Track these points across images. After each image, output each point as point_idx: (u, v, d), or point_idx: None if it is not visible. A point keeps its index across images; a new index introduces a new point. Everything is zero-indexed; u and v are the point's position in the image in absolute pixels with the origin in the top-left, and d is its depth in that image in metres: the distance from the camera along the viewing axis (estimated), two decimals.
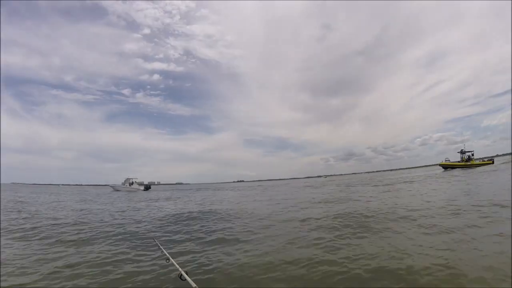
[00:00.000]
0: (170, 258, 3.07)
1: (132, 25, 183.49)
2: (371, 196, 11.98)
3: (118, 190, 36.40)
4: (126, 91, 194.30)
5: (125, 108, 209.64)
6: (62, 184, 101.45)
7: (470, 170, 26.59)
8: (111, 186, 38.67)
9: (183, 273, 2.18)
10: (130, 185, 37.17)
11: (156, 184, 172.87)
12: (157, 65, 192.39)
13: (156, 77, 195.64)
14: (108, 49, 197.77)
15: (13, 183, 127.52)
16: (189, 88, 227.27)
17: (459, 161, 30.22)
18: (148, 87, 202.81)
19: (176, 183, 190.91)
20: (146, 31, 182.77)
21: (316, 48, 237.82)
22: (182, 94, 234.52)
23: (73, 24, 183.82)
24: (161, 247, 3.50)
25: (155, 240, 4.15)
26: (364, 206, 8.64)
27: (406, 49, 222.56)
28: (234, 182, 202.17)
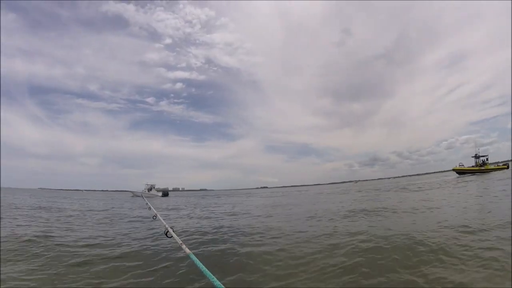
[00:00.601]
0: (158, 215, 3.39)
1: (154, 35, 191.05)
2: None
3: (138, 196, 38.63)
4: (150, 100, 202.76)
5: (148, 116, 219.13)
6: (86, 190, 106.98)
7: (485, 176, 25.94)
8: (131, 192, 41.05)
9: (169, 229, 2.30)
10: (149, 191, 39.31)
11: (180, 190, 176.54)
12: (180, 74, 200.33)
13: (179, 85, 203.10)
14: (131, 59, 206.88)
15: (40, 188, 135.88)
16: (211, 96, 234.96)
17: (473, 166, 29.75)
18: (172, 95, 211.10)
19: (200, 190, 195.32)
20: (168, 40, 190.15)
21: (335, 53, 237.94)
22: (204, 102, 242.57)
23: (95, 34, 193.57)
24: (149, 203, 4.30)
25: (142, 196, 5.67)
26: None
27: (425, 51, 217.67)
28: (257, 188, 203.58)
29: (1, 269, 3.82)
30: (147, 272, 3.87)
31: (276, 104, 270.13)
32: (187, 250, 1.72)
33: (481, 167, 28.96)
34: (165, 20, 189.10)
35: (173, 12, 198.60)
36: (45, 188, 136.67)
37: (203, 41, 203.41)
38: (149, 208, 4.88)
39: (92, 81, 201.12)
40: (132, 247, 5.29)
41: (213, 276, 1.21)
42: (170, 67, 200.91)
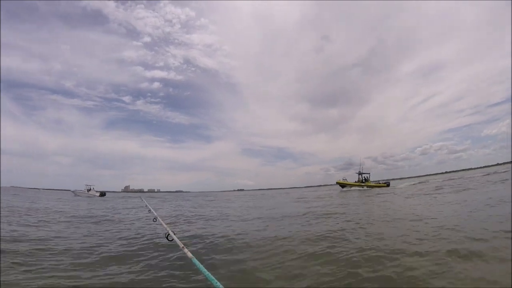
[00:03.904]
0: (158, 218, 3.36)
1: (133, 33, 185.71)
2: None
3: (78, 196, 41.98)
4: (126, 98, 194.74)
5: (124, 115, 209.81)
6: (43, 189, 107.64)
7: (367, 191, 27.73)
8: (72, 192, 44.38)
9: (170, 232, 2.26)
10: (88, 191, 42.73)
11: (156, 192, 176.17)
12: (157, 73, 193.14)
13: (156, 85, 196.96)
14: (108, 56, 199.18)
15: (13, 186, 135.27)
16: (188, 97, 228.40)
17: (356, 181, 34.40)
18: (148, 94, 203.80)
19: (176, 191, 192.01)
20: (147, 39, 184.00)
21: (313, 59, 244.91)
22: (182, 102, 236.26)
23: (73, 29, 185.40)
24: (149, 206, 4.33)
25: (142, 199, 6.27)
26: None
27: (402, 61, 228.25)
28: (234, 191, 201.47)
29: None
30: (147, 274, 3.82)
31: (254, 108, 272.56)
32: (189, 254, 1.72)
33: (362, 183, 33.75)
34: (145, 18, 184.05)
35: (154, 10, 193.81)
36: (18, 187, 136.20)
37: (182, 41, 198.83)
38: (149, 210, 4.64)
39: (68, 77, 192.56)
40: (131, 248, 5.24)
41: (216, 280, 1.24)
42: (148, 66, 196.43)
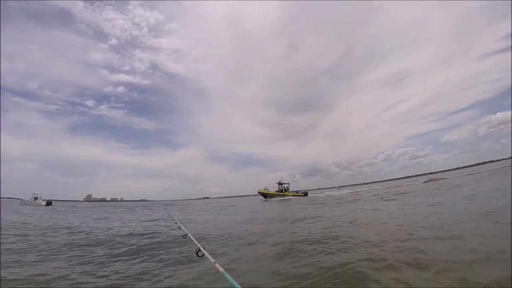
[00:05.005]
0: (188, 234, 3.49)
1: (100, 35, 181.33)
2: None
3: (26, 204, 43.57)
4: (89, 103, 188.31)
5: (87, 119, 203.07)
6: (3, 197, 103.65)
7: (287, 201, 30.79)
8: (21, 200, 45.85)
9: (201, 248, 2.33)
10: (35, 200, 44.39)
11: (120, 201, 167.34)
12: (123, 77, 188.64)
13: (121, 89, 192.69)
14: (74, 58, 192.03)
15: None
16: (154, 102, 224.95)
17: (276, 191, 38.88)
18: (112, 99, 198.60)
19: (140, 200, 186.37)
20: (114, 41, 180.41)
21: (282, 66, 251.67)
22: (147, 107, 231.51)
23: (42, 29, 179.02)
24: (178, 222, 4.50)
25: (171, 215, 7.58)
26: None
27: (369, 69, 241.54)
28: (200, 199, 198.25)
29: None
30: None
31: (222, 113, 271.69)
32: (221, 269, 1.78)
33: (281, 192, 38.23)
34: (113, 20, 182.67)
35: (122, 12, 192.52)
36: None
37: (150, 45, 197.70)
38: (179, 227, 4.55)
39: (32, 78, 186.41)
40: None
41: None
42: (113, 70, 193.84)
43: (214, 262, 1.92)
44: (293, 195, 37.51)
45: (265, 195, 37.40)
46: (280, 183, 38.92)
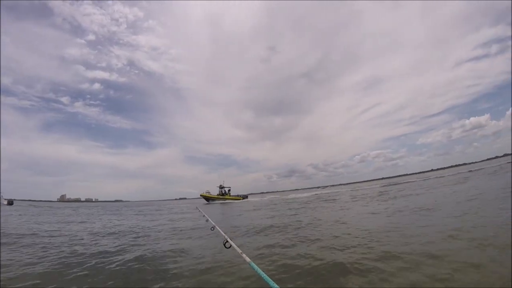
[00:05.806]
0: (215, 226, 3.69)
1: (77, 30, 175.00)
2: None
3: None
4: (64, 99, 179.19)
5: (62, 117, 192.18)
6: None
7: (228, 204, 33.42)
8: None
9: (228, 240, 2.39)
10: None
11: (94, 201, 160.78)
12: (99, 74, 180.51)
13: (96, 86, 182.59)
14: (50, 53, 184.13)
15: None
16: (131, 100, 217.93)
17: (218, 194, 42.91)
18: (88, 96, 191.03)
19: (115, 201, 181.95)
20: (91, 37, 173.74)
21: (260, 68, 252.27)
22: (123, 106, 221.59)
23: (17, 21, 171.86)
24: (205, 215, 5.02)
25: (198, 208, 8.97)
26: None
27: (345, 73, 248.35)
28: (175, 199, 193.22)
29: None
30: (212, 277, 4.31)
31: (199, 114, 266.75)
32: (247, 259, 1.86)
33: (222, 196, 42.26)
34: (91, 15, 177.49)
35: (101, 7, 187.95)
36: None
37: (128, 42, 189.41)
38: (207, 220, 4.88)
39: (6, 73, 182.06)
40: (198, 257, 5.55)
41: (273, 281, 1.39)
42: (90, 66, 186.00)
43: (241, 253, 2.01)
44: (233, 199, 41.72)
45: (208, 198, 41.43)
46: (221, 187, 43.01)
